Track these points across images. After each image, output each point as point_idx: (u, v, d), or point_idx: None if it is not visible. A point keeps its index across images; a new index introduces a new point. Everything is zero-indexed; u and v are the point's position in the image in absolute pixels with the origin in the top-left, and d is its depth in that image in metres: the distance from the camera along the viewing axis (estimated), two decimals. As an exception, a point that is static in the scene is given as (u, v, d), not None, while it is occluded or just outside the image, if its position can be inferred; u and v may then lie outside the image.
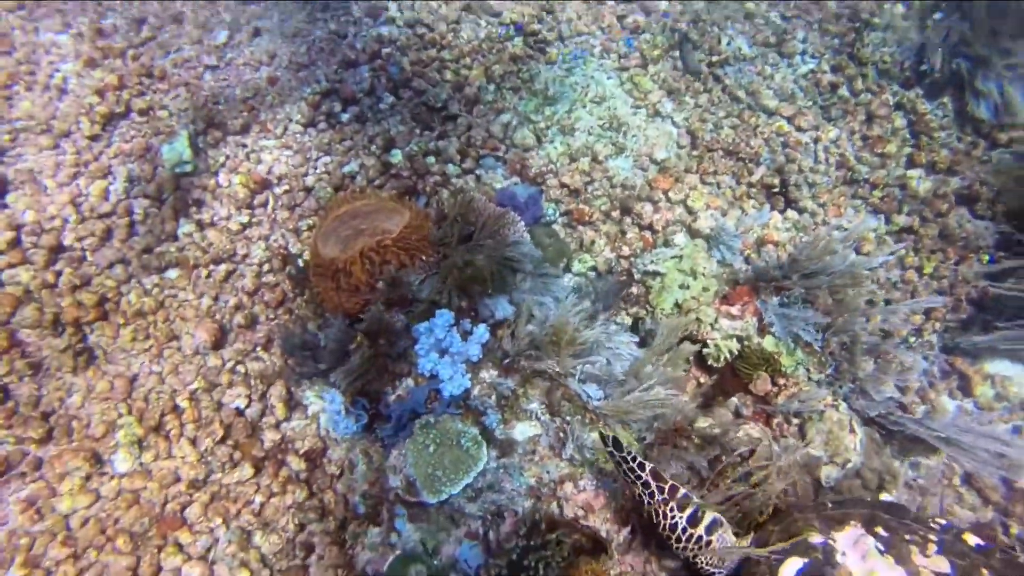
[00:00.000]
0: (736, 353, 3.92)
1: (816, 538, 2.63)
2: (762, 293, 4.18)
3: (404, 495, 3.31)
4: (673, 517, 2.62)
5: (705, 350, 4.02)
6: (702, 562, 2.64)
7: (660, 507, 2.63)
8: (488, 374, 3.52)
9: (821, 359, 3.95)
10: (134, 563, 3.59)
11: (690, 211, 4.91)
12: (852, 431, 3.54)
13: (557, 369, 3.37)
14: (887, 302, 4.66)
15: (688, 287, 4.33)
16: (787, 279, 4.07)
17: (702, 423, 3.47)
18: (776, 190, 5.24)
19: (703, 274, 4.37)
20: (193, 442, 3.89)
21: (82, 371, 4.10)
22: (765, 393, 3.69)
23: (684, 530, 2.61)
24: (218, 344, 4.27)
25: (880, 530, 2.64)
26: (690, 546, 2.61)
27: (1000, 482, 4.19)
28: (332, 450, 3.92)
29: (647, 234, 4.80)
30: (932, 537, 2.61)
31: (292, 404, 4.10)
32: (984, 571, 2.50)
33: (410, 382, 3.50)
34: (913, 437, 3.79)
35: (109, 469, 3.85)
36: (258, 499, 3.75)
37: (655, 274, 4.37)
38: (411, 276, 3.70)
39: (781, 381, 3.72)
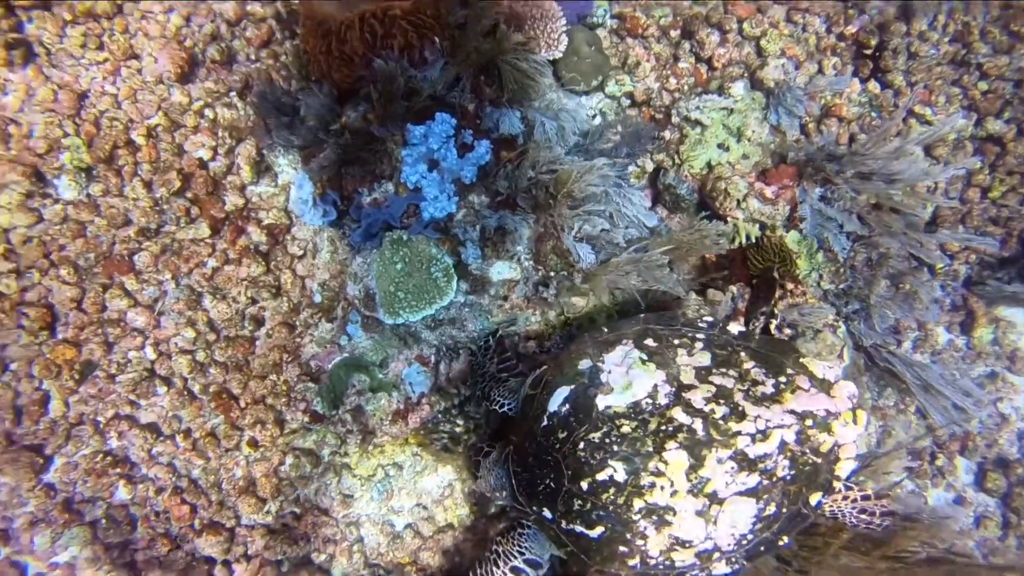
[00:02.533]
0: (754, 240, 3.52)
1: (585, 364, 2.61)
2: (805, 180, 3.65)
3: (360, 306, 3.10)
4: (490, 367, 3.07)
5: (722, 226, 3.59)
6: (495, 395, 2.96)
7: (485, 360, 3.11)
8: (478, 199, 3.10)
9: (840, 270, 3.60)
10: (79, 295, 3.47)
11: (761, 53, 4.06)
12: (840, 357, 3.33)
13: (554, 219, 2.96)
14: (932, 220, 4.17)
15: (728, 149, 3.75)
16: (840, 173, 3.51)
17: (689, 309, 3.20)
18: (868, 51, 4.32)
19: (749, 138, 3.77)
20: (148, 186, 3.53)
21: (19, 68, 3.53)
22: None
23: (492, 374, 3.04)
24: (185, 77, 3.67)
25: (650, 341, 2.64)
26: (491, 383, 3.00)
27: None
28: (297, 228, 3.62)
29: (702, 68, 4.02)
30: (700, 336, 2.67)
31: (262, 167, 3.67)
32: (743, 354, 2.60)
33: (390, 187, 3.08)
34: (894, 373, 3.62)
35: (53, 192, 3.52)
36: (211, 263, 3.53)
37: (697, 123, 3.75)
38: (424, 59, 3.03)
39: (789, 286, 3.39)
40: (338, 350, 3.33)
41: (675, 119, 3.76)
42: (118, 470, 3.44)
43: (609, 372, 2.54)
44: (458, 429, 3.16)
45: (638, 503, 2.36)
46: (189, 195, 3.57)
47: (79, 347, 3.46)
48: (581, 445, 2.41)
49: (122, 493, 3.47)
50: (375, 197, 3.06)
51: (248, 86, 3.72)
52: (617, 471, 2.35)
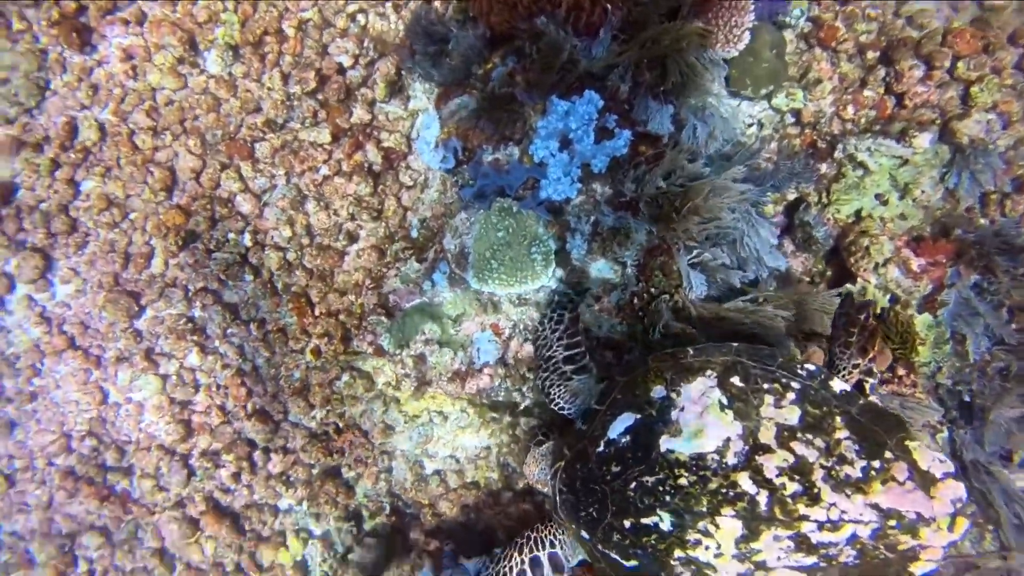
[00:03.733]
0: (878, 311, 3.18)
1: (659, 391, 2.41)
2: (964, 263, 3.22)
3: (451, 261, 3.05)
4: (556, 350, 2.87)
5: (848, 286, 3.27)
6: (555, 394, 2.79)
7: (552, 339, 2.91)
8: (602, 190, 2.91)
9: (968, 371, 3.22)
10: (199, 167, 3.60)
11: (967, 100, 3.52)
12: (933, 466, 3.02)
13: (676, 233, 2.73)
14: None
15: (887, 203, 3.35)
16: (1013, 268, 3.08)
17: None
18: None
19: (915, 198, 3.34)
20: (285, 79, 3.54)
21: (201, -66, 3.56)
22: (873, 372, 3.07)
23: (556, 363, 2.83)
24: (348, -25, 3.59)
25: (736, 380, 2.38)
26: (554, 377, 2.81)
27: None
28: (414, 158, 3.56)
29: (890, 102, 3.54)
30: (794, 385, 2.36)
31: (396, 87, 3.59)
32: (838, 419, 2.28)
33: (516, 152, 2.94)
34: (987, 499, 3.26)
35: (201, 63, 3.60)
36: (324, 170, 3.55)
37: (860, 165, 3.35)
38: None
39: (900, 371, 3.07)
40: (419, 293, 3.32)
41: (838, 153, 3.37)
42: (195, 337, 3.66)
43: (682, 409, 2.35)
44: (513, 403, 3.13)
45: (679, 552, 2.27)
46: (320, 97, 3.56)
47: (188, 216, 3.63)
48: (632, 485, 2.31)
49: (194, 358, 3.70)
50: (497, 157, 2.94)
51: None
52: (663, 521, 2.25)
